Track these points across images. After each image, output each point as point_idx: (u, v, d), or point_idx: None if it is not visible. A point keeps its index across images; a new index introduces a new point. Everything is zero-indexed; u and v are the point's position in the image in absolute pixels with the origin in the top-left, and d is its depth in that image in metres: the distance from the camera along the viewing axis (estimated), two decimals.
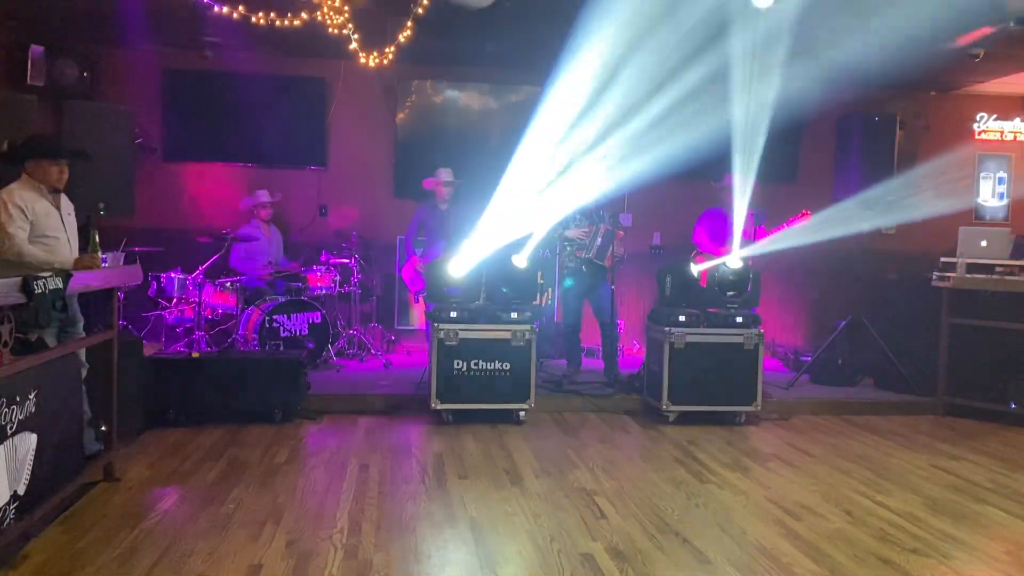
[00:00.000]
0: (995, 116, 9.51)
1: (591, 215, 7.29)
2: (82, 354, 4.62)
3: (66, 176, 4.66)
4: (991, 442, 6.16)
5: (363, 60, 7.33)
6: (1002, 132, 9.58)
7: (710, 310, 6.63)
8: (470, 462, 5.29)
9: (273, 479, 4.81)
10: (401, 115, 8.84)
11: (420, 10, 6.53)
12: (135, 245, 6.90)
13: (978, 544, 4.09)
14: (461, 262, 6.65)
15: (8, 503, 3.47)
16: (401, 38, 6.94)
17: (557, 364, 7.85)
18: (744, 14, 6.27)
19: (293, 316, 7.34)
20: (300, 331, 7.35)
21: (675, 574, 3.63)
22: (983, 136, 9.57)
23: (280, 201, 8.11)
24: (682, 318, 6.45)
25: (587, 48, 6.64)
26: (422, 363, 7.14)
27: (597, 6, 6.21)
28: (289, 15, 6.67)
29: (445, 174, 7.72)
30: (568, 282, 7.39)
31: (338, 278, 7.85)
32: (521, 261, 6.63)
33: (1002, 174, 9.68)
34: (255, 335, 7.17)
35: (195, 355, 6.37)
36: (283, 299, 7.39)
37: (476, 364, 6.22)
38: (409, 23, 6.75)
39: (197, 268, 7.35)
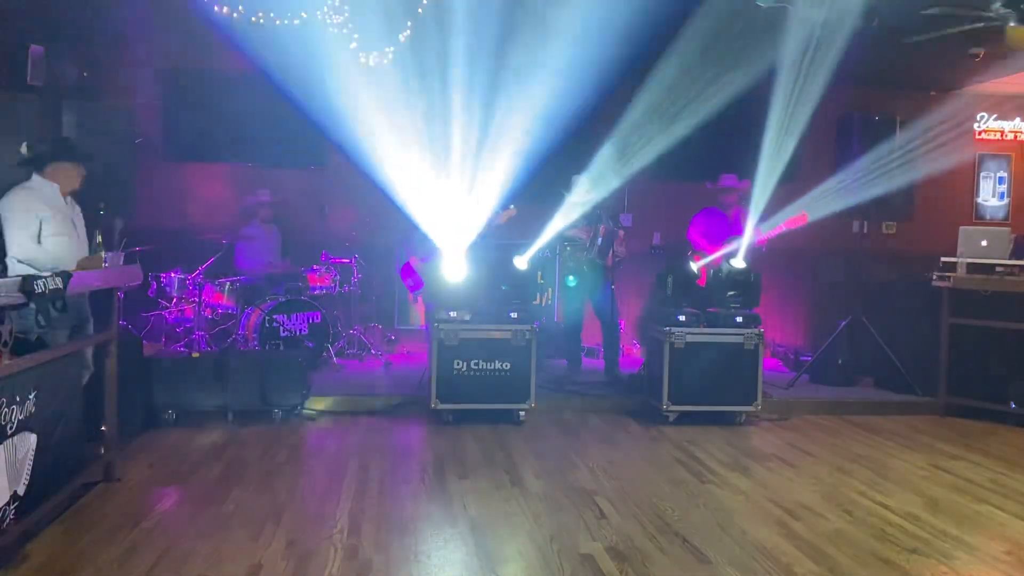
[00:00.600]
0: (995, 116, 9.51)
1: (591, 215, 7.28)
2: (88, 355, 4.63)
3: (83, 178, 4.78)
4: (991, 442, 6.16)
5: (363, 60, 7.32)
6: (1002, 132, 9.58)
7: (710, 310, 6.64)
8: (470, 462, 5.29)
9: (273, 479, 4.81)
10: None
11: (420, 10, 6.52)
12: (135, 245, 6.90)
13: (978, 544, 4.08)
14: (460, 262, 6.64)
15: (8, 503, 3.46)
16: (401, 38, 6.94)
17: (557, 364, 7.84)
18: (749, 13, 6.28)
19: (293, 316, 7.34)
20: (300, 331, 7.35)
21: (675, 574, 3.63)
22: (983, 136, 9.57)
23: (280, 201, 8.10)
24: (682, 318, 6.45)
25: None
26: (422, 363, 7.14)
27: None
28: (289, 15, 6.65)
29: None
30: (572, 281, 7.38)
31: (338, 278, 7.85)
32: (522, 263, 6.63)
33: (1002, 174, 9.68)
34: (255, 335, 7.17)
35: (195, 355, 6.37)
36: (283, 299, 7.39)
37: (476, 364, 6.21)
38: (408, 23, 6.75)
39: (197, 268, 7.35)
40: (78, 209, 4.86)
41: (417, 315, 8.74)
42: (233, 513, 4.23)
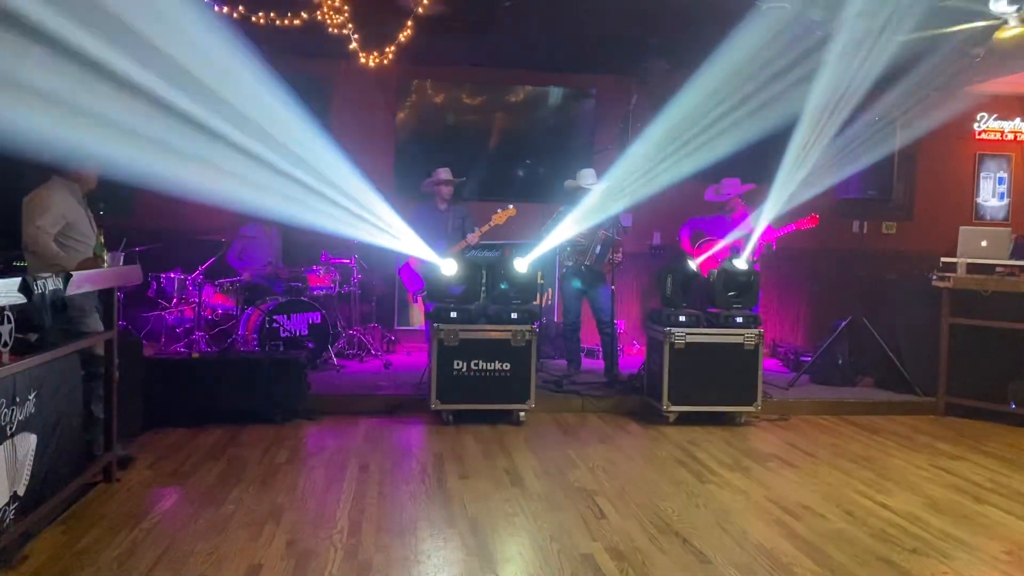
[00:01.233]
0: (995, 116, 9.51)
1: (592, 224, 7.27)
2: (100, 349, 4.64)
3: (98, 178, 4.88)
4: (991, 442, 6.16)
5: (363, 60, 7.34)
6: (1002, 132, 9.58)
7: (710, 310, 6.64)
8: (470, 462, 5.28)
9: (273, 479, 4.81)
10: (401, 115, 8.84)
11: (420, 10, 6.53)
12: (135, 245, 6.90)
13: (978, 544, 4.08)
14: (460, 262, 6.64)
15: (8, 503, 3.46)
16: (401, 38, 6.95)
17: (557, 364, 7.84)
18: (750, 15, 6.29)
19: (293, 316, 7.33)
20: (300, 331, 7.34)
21: (675, 574, 3.63)
22: (983, 136, 9.57)
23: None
24: (682, 318, 6.45)
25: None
26: (422, 363, 7.14)
27: None
28: (289, 15, 6.67)
29: (444, 173, 7.69)
30: (576, 283, 7.37)
31: (338, 278, 7.85)
32: (523, 266, 6.62)
33: (1002, 174, 9.68)
34: (255, 335, 7.17)
35: (195, 355, 6.38)
36: (283, 299, 7.39)
37: (476, 364, 6.21)
38: (409, 23, 6.76)
39: (197, 268, 7.35)
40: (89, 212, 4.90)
41: (417, 315, 8.74)
42: (233, 513, 4.23)
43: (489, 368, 6.22)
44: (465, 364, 6.20)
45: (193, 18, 5.35)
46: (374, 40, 7.15)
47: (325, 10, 6.57)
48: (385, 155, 8.83)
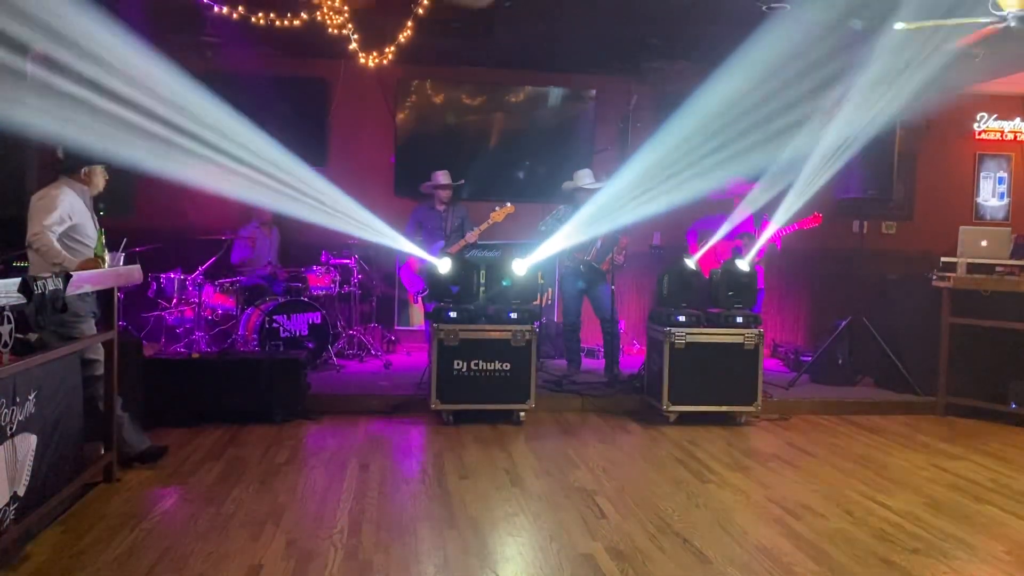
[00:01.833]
0: (995, 116, 9.51)
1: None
2: (98, 352, 4.65)
3: (107, 181, 4.92)
4: (991, 442, 6.16)
5: (363, 60, 7.34)
6: (1002, 132, 9.58)
7: (710, 310, 6.63)
8: (470, 462, 5.28)
9: (273, 479, 4.81)
10: (401, 115, 8.85)
11: (420, 10, 6.53)
12: (135, 245, 6.89)
13: (979, 544, 4.08)
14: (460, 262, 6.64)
15: (8, 503, 3.46)
16: (401, 38, 6.95)
17: (557, 364, 7.84)
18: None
19: (293, 316, 7.33)
20: (300, 331, 7.34)
21: (676, 574, 3.63)
22: (983, 136, 9.57)
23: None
24: (682, 318, 6.45)
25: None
26: (422, 363, 7.14)
27: None
28: (288, 15, 6.67)
29: (442, 177, 7.70)
30: (576, 283, 7.37)
31: (338, 278, 7.85)
32: (522, 268, 6.61)
33: (1002, 174, 9.68)
34: (255, 335, 7.17)
35: (195, 356, 6.37)
36: (283, 299, 7.39)
37: (476, 364, 6.21)
38: (409, 23, 6.76)
39: (197, 268, 7.35)
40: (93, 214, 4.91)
41: (418, 315, 8.75)
42: (233, 513, 4.23)
43: (489, 368, 6.22)
44: (465, 364, 6.20)
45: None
46: (374, 40, 7.16)
47: (325, 10, 6.57)
48: (385, 155, 8.83)
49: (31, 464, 3.67)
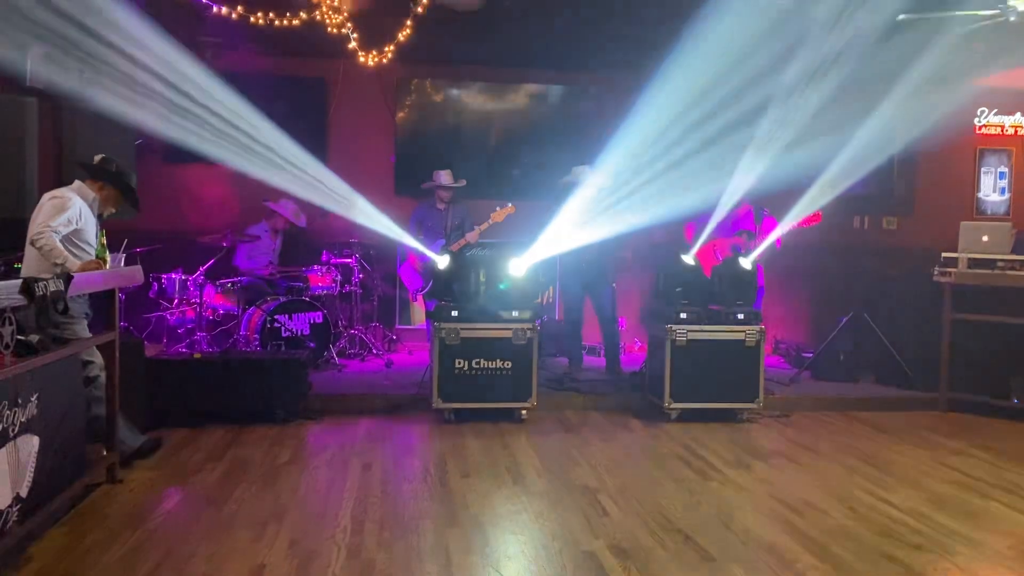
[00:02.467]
0: (996, 111, 9.50)
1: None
2: (94, 354, 4.65)
3: (116, 210, 4.99)
4: (994, 437, 6.15)
5: (362, 59, 7.34)
6: (1003, 127, 9.55)
7: (711, 307, 6.63)
8: (472, 461, 5.28)
9: (275, 479, 4.81)
10: (401, 114, 8.84)
11: (420, 9, 6.53)
12: (136, 246, 6.89)
13: (982, 539, 4.08)
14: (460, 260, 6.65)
15: (11, 505, 3.47)
16: (400, 37, 6.95)
17: (558, 362, 7.84)
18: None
19: (294, 316, 7.33)
20: (301, 331, 7.34)
21: (678, 572, 3.63)
22: (984, 131, 9.55)
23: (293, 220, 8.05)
24: (683, 315, 6.44)
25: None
26: (424, 362, 7.13)
27: None
28: (288, 15, 6.67)
29: (443, 177, 7.69)
30: (577, 281, 7.34)
31: (339, 278, 7.85)
32: (520, 268, 6.61)
33: (1003, 169, 9.67)
34: (256, 335, 7.17)
35: (197, 356, 6.37)
36: (284, 299, 7.39)
37: (477, 363, 6.21)
38: (408, 22, 6.76)
39: (198, 269, 7.35)
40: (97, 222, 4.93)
41: (419, 314, 8.74)
42: (236, 513, 4.23)
43: (490, 366, 6.22)
44: (466, 362, 6.20)
45: None
46: (373, 39, 7.16)
47: (324, 9, 6.57)
48: (385, 155, 8.82)
49: (34, 465, 3.67)
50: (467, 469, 5.10)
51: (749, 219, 7.39)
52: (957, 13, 6.22)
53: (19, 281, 3.42)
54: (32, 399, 3.64)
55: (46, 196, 4.60)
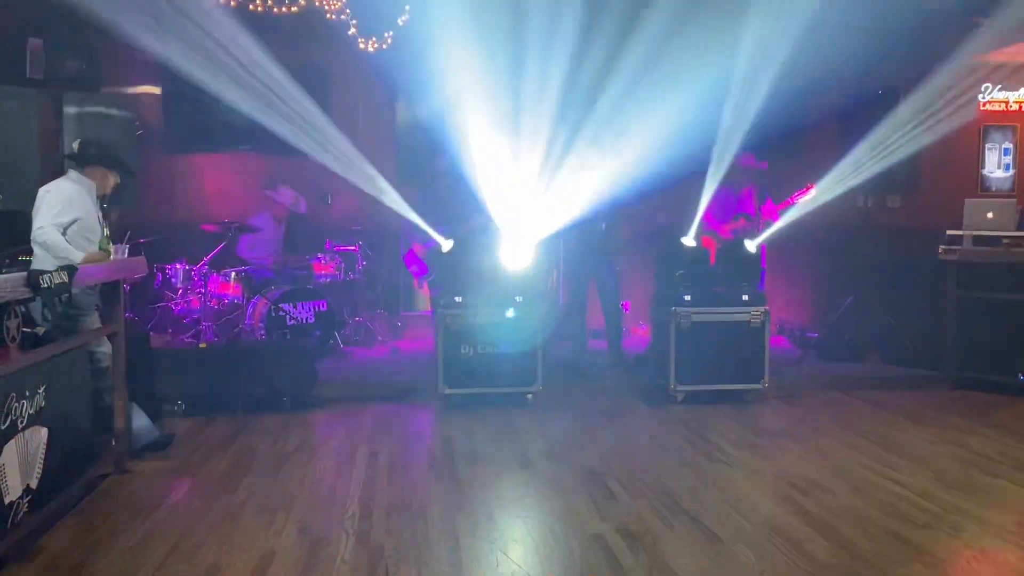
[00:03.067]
0: (1000, 86, 9.42)
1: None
2: (103, 344, 4.67)
3: (116, 186, 4.95)
4: (1000, 414, 6.15)
5: (362, 46, 7.31)
6: (1007, 102, 9.48)
7: (716, 289, 6.62)
8: (479, 446, 5.30)
9: (283, 467, 4.83)
10: (399, 101, 8.79)
11: None
12: (138, 237, 6.91)
13: (989, 517, 4.08)
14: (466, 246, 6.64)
15: (21, 496, 3.49)
16: (399, 22, 6.91)
17: (564, 346, 7.83)
18: None
19: (299, 304, 7.34)
20: (307, 319, 7.35)
21: (686, 553, 3.64)
22: (988, 107, 9.48)
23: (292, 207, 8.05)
24: (687, 298, 6.43)
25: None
26: (429, 349, 7.15)
27: None
28: (287, 1, 6.64)
29: (441, 163, 7.67)
30: (582, 264, 7.31)
31: (343, 265, 7.85)
32: (522, 252, 6.59)
33: (1008, 145, 9.61)
34: (262, 324, 7.18)
35: (202, 345, 6.39)
36: (288, 288, 7.40)
37: (483, 348, 6.22)
38: (407, 7, 6.72)
39: (201, 259, 7.36)
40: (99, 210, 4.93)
41: (423, 301, 8.74)
42: (244, 502, 4.25)
43: (496, 352, 6.23)
44: (472, 349, 6.21)
45: None
46: (372, 25, 7.12)
47: None
48: (387, 142, 8.79)
49: (43, 457, 3.70)
50: (474, 454, 5.12)
51: (749, 202, 7.37)
52: None
53: (24, 274, 3.43)
54: (40, 391, 3.66)
55: (41, 191, 4.61)
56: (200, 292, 7.30)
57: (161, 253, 7.20)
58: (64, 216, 4.51)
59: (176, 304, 7.48)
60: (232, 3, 6.53)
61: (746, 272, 6.69)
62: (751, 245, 6.71)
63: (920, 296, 7.36)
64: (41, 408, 3.67)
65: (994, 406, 6.40)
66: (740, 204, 7.41)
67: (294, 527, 3.91)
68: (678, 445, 5.34)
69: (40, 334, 3.83)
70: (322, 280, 7.70)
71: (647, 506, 4.20)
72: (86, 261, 4.39)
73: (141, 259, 4.99)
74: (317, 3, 6.62)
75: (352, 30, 7.02)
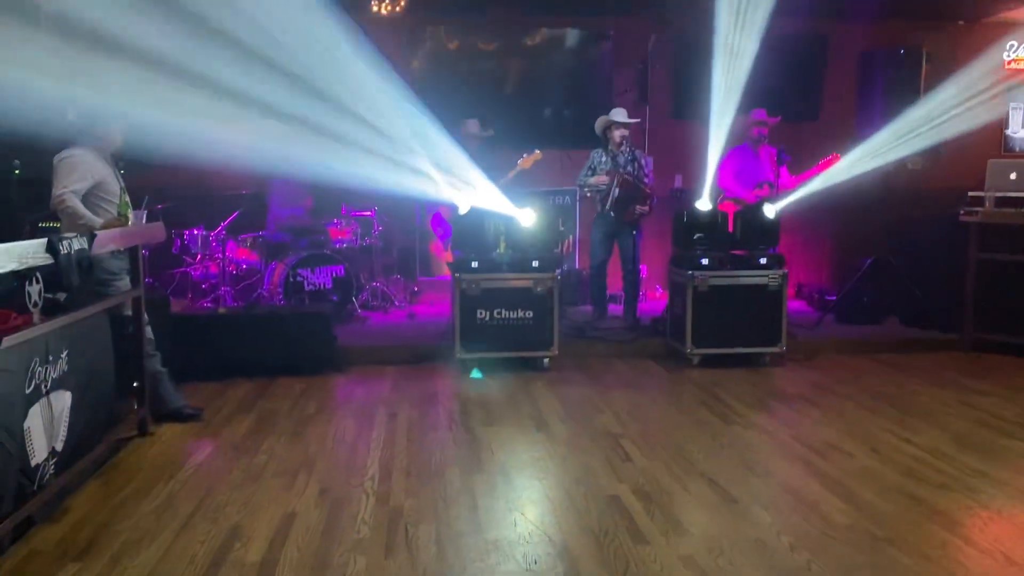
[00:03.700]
0: None
1: (615, 158, 7.17)
2: (128, 308, 4.72)
3: (125, 136, 4.88)
4: (1018, 377, 6.12)
5: (375, 8, 7.24)
6: None
7: (733, 252, 6.59)
8: (496, 409, 5.34)
9: (304, 430, 4.89)
10: (415, 63, 8.73)
11: None
12: (156, 203, 6.94)
13: (1005, 478, 4.08)
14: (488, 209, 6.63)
15: (47, 458, 3.56)
16: None
17: (580, 311, 7.84)
18: None
19: (317, 270, 7.38)
20: (324, 284, 7.40)
21: (701, 514, 3.67)
22: (1013, 66, 9.29)
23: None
24: (705, 261, 6.41)
25: None
26: (445, 313, 7.18)
27: None
28: None
29: (472, 126, 7.65)
30: (603, 227, 7.26)
31: (359, 230, 7.86)
32: (527, 219, 6.57)
33: None
34: (280, 289, 7.23)
35: (222, 311, 6.44)
36: (306, 253, 7.43)
37: (499, 313, 6.23)
38: None
39: (219, 224, 7.40)
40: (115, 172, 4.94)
41: (440, 266, 8.76)
42: (266, 464, 4.31)
43: (512, 316, 6.24)
44: (488, 313, 6.22)
45: None
46: None
47: None
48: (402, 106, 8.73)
49: (67, 420, 3.76)
50: (491, 417, 5.16)
51: (771, 163, 7.29)
52: None
53: (44, 240, 3.46)
54: (63, 356, 3.71)
55: (56, 159, 4.61)
56: (218, 257, 7.35)
57: (178, 218, 7.23)
58: (80, 182, 4.53)
59: (195, 269, 7.54)
60: None
61: (764, 235, 6.63)
62: (770, 210, 6.64)
63: (940, 258, 7.29)
64: (64, 372, 3.72)
65: (1012, 368, 6.37)
66: (761, 167, 7.33)
67: (315, 488, 3.97)
68: (694, 407, 5.35)
69: (61, 300, 3.87)
70: (339, 245, 7.72)
71: (663, 468, 4.22)
72: (104, 227, 4.42)
73: (159, 224, 5.02)
74: None
75: None
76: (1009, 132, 9.46)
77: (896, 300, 7.59)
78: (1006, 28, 9.09)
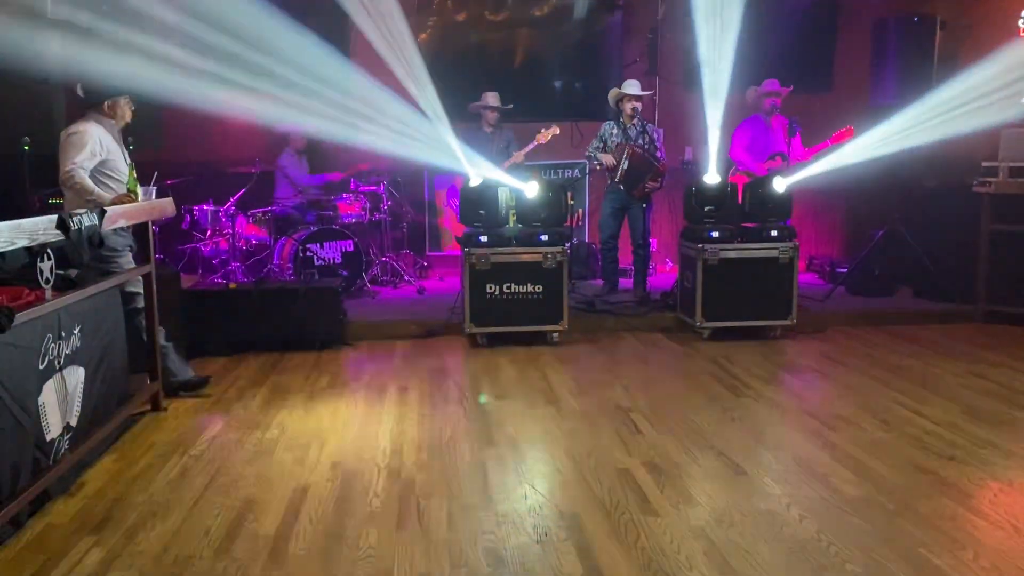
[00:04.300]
0: None
1: (627, 131, 7.13)
2: (138, 284, 4.74)
3: (133, 111, 4.88)
4: None
5: None
6: None
7: (744, 224, 6.55)
8: (506, 383, 5.35)
9: (315, 404, 4.92)
10: (423, 36, 8.65)
11: None
12: (166, 178, 6.92)
13: (1017, 450, 4.07)
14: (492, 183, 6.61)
15: (62, 433, 3.59)
16: None
17: (590, 285, 7.82)
18: None
19: (326, 245, 7.39)
20: (334, 259, 7.41)
21: (712, 487, 3.68)
22: None
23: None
24: (715, 234, 6.38)
25: None
26: (455, 288, 7.17)
27: None
28: None
29: (491, 99, 7.61)
30: (614, 200, 7.23)
31: (368, 205, 7.85)
32: (532, 190, 6.54)
33: None
34: (290, 264, 7.25)
35: (232, 286, 6.46)
36: (315, 228, 7.44)
37: (508, 287, 6.23)
38: None
39: (228, 200, 7.40)
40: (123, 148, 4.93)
41: (449, 240, 8.75)
42: (278, 438, 4.34)
43: (521, 291, 6.24)
44: (497, 287, 6.22)
45: None
46: None
47: None
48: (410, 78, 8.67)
49: (81, 395, 3.79)
50: (501, 391, 5.17)
51: (783, 134, 7.23)
52: None
53: (54, 217, 3.47)
54: (75, 332, 3.73)
55: (63, 135, 4.61)
56: (228, 233, 7.35)
57: (188, 194, 7.23)
58: (88, 158, 4.52)
59: (205, 245, 7.56)
60: None
61: (776, 208, 6.58)
62: (781, 184, 6.58)
63: (952, 230, 7.23)
64: (77, 348, 3.75)
65: None
66: (774, 138, 7.26)
67: (327, 462, 3.99)
68: (704, 381, 5.35)
69: (73, 276, 3.88)
70: (348, 220, 7.72)
71: (673, 441, 4.23)
72: (113, 203, 4.42)
73: (169, 200, 5.01)
74: None
75: None
76: None
77: (908, 272, 7.55)
78: None
